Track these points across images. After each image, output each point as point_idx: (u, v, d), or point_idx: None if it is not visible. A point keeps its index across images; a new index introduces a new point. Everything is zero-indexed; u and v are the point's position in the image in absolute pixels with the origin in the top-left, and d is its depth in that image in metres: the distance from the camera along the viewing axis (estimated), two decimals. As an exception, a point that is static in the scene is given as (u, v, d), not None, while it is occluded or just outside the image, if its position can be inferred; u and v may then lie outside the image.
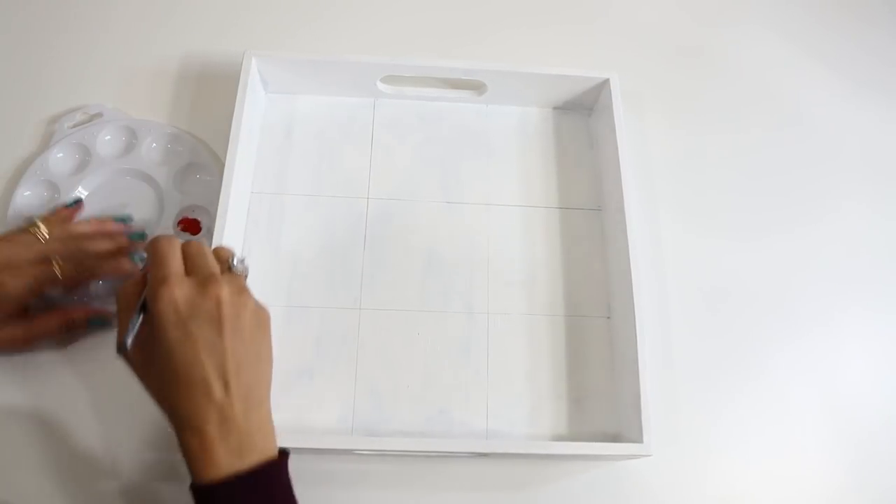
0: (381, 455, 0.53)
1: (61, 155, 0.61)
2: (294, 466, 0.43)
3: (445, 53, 0.68)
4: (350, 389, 0.55)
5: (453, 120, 0.67)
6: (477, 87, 0.66)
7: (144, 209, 0.61)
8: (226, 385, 0.41)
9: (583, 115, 0.68)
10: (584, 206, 0.64)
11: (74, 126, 0.63)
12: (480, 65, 0.63)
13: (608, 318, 0.60)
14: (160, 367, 0.41)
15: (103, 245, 0.55)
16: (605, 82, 0.63)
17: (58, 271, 0.51)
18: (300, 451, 0.51)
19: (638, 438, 0.51)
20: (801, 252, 0.65)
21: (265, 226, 0.61)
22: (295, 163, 0.63)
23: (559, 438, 0.55)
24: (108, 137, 0.63)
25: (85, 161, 0.62)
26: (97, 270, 0.54)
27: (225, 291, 0.42)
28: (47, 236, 0.53)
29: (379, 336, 0.57)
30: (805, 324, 0.62)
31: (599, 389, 0.57)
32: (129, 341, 0.41)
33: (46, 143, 0.62)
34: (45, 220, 0.54)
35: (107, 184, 0.62)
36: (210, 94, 0.66)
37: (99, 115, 0.63)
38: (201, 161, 0.63)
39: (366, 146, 0.64)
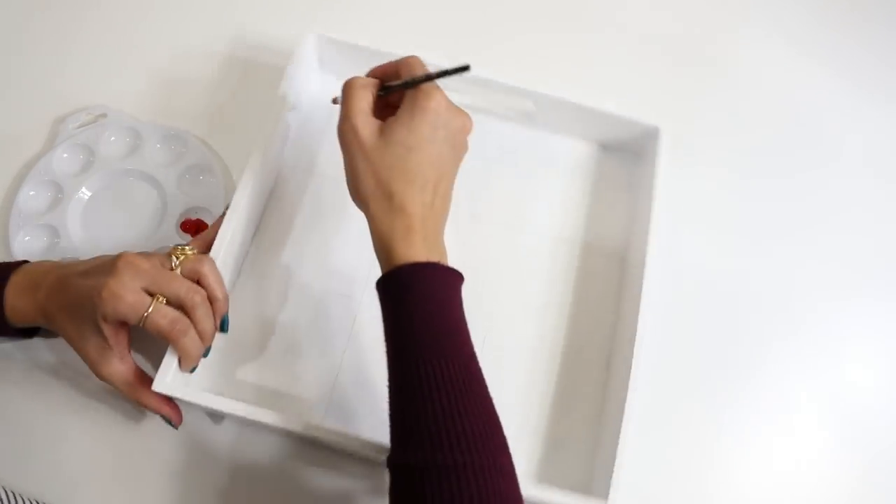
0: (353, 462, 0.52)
1: (66, 155, 0.62)
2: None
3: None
4: (330, 376, 0.55)
5: (496, 136, 0.65)
6: (525, 109, 0.64)
7: (147, 210, 0.61)
8: (434, 193, 0.46)
9: (628, 158, 0.65)
10: (608, 250, 0.62)
11: (79, 127, 0.63)
12: (532, 86, 0.61)
13: (606, 368, 0.57)
14: (396, 155, 0.46)
15: (204, 319, 0.49)
16: (655, 130, 0.61)
17: (149, 309, 0.46)
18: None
19: (604, 496, 0.48)
20: (805, 260, 0.64)
21: (293, 202, 0.62)
22: (330, 147, 0.62)
23: (528, 477, 0.53)
24: (113, 139, 0.63)
25: (89, 162, 0.62)
26: (175, 336, 0.48)
27: (469, 124, 0.49)
28: (178, 266, 0.49)
29: (372, 329, 0.56)
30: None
31: (581, 437, 0.55)
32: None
33: (52, 144, 0.63)
34: (193, 243, 0.52)
35: (110, 185, 0.62)
36: (215, 96, 0.67)
37: (104, 115, 0.63)
38: (204, 163, 0.63)
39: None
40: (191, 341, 0.48)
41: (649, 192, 0.58)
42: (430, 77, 0.47)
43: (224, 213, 0.54)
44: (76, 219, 0.60)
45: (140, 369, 0.50)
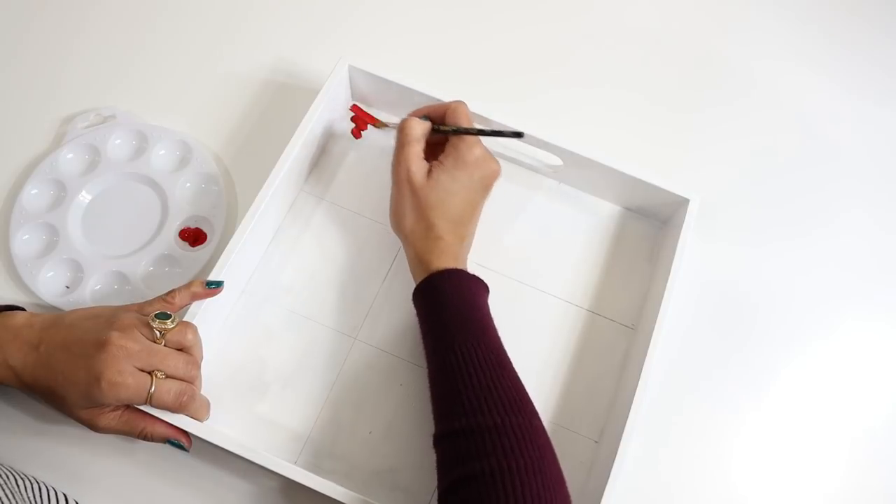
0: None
1: (71, 155, 0.62)
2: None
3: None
4: (314, 411, 0.55)
5: (519, 185, 0.64)
6: (552, 163, 0.62)
7: (148, 215, 0.61)
8: (466, 226, 0.55)
9: (654, 225, 0.63)
10: (619, 319, 0.59)
11: (87, 127, 0.63)
12: (561, 141, 0.59)
13: (597, 442, 0.55)
14: (439, 197, 0.54)
15: (200, 383, 0.51)
16: (684, 202, 0.58)
17: (151, 389, 0.47)
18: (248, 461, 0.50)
19: None
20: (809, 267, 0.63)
21: (301, 225, 0.61)
22: (346, 177, 0.63)
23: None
24: (119, 141, 0.63)
25: (94, 162, 0.62)
26: (184, 407, 0.49)
27: (498, 170, 0.57)
28: (163, 338, 0.49)
29: (362, 371, 0.56)
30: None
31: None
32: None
33: (59, 143, 0.62)
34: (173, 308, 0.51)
35: (113, 187, 0.62)
36: (225, 104, 0.66)
37: (112, 117, 0.63)
38: (209, 171, 0.62)
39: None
40: (198, 405, 0.50)
41: (670, 262, 0.56)
42: (481, 132, 0.55)
43: (212, 287, 0.53)
44: (77, 219, 0.60)
45: (130, 406, 0.49)
